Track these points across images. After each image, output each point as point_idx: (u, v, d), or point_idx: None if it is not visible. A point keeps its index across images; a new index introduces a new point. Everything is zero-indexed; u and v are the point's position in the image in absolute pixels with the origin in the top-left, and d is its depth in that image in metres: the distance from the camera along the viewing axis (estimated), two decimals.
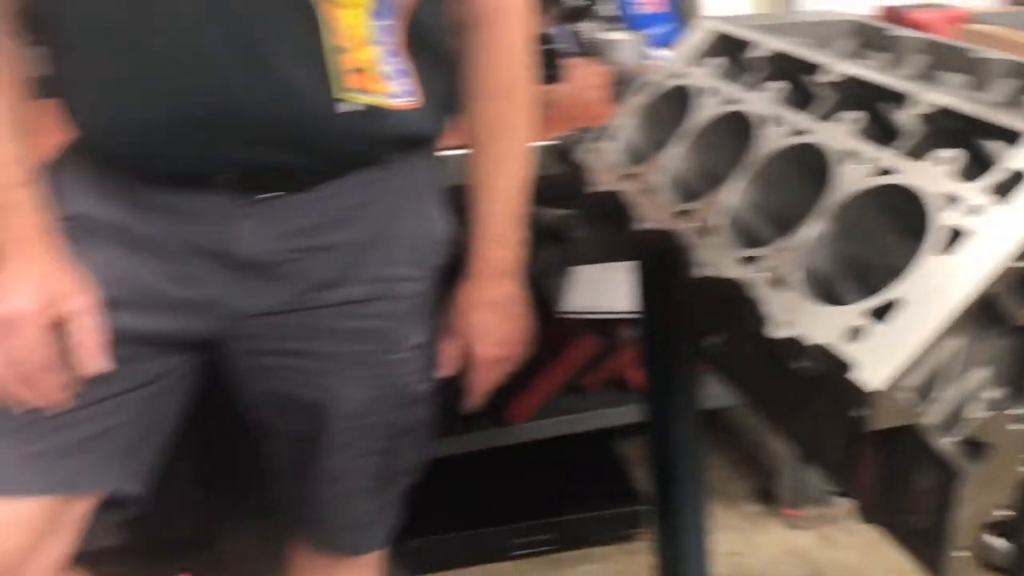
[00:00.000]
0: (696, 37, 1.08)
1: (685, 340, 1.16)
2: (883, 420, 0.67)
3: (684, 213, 0.89)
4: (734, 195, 0.87)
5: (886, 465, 0.76)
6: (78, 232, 0.94)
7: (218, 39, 0.87)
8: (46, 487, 0.91)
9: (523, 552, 1.82)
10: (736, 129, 0.92)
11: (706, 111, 0.97)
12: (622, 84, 1.47)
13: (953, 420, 0.70)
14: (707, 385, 1.33)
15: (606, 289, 1.78)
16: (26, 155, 0.92)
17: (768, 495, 1.96)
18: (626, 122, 1.06)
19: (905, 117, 0.81)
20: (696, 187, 0.94)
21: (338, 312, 1.00)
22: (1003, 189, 0.70)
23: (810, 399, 0.80)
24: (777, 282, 0.77)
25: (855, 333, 0.69)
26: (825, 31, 1.07)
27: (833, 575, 1.80)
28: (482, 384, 1.12)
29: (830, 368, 0.70)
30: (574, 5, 1.65)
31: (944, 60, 0.96)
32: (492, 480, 1.87)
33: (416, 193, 1.03)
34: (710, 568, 1.36)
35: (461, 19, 1.02)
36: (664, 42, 1.69)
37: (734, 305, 0.80)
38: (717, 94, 0.97)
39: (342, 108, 0.90)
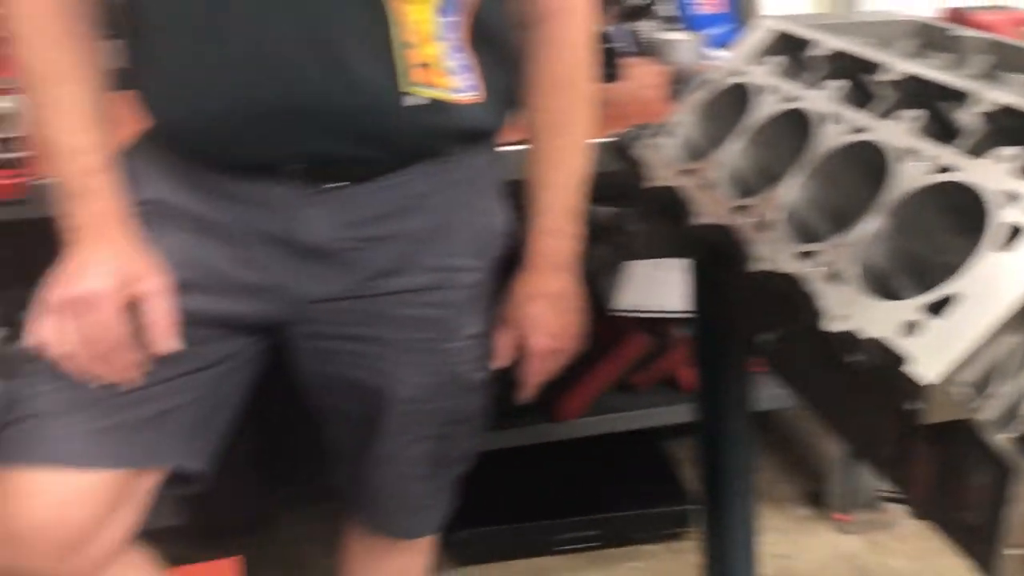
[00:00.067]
0: (756, 36, 1.09)
1: (738, 337, 1.17)
2: (937, 414, 0.68)
3: (741, 208, 0.91)
4: (792, 191, 0.88)
5: (939, 461, 0.76)
6: (152, 217, 0.98)
7: (292, 34, 0.90)
8: (116, 461, 0.95)
9: (568, 547, 1.83)
10: (795, 127, 0.93)
11: (765, 108, 0.97)
12: (680, 83, 1.48)
13: (1009, 416, 0.70)
14: (759, 386, 1.34)
15: (659, 288, 1.78)
16: (104, 143, 0.96)
17: (817, 498, 1.95)
18: (684, 119, 1.07)
19: (966, 116, 0.82)
20: (753, 183, 0.95)
21: (398, 300, 1.03)
22: None
23: (863, 394, 0.81)
24: (833, 277, 0.78)
25: (911, 327, 0.70)
26: (886, 31, 1.08)
27: None
28: (535, 376, 1.14)
29: (885, 362, 0.70)
30: (634, 4, 1.66)
31: (1008, 60, 0.96)
32: (540, 475, 1.89)
33: (476, 185, 1.05)
34: (758, 569, 1.37)
35: (524, 16, 1.04)
36: (722, 43, 1.70)
37: (789, 300, 0.81)
38: (776, 92, 0.98)
39: (408, 102, 0.93)
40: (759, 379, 1.33)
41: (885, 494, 1.87)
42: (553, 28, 1.03)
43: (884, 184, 0.80)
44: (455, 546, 1.75)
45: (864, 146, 0.85)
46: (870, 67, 0.94)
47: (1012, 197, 0.72)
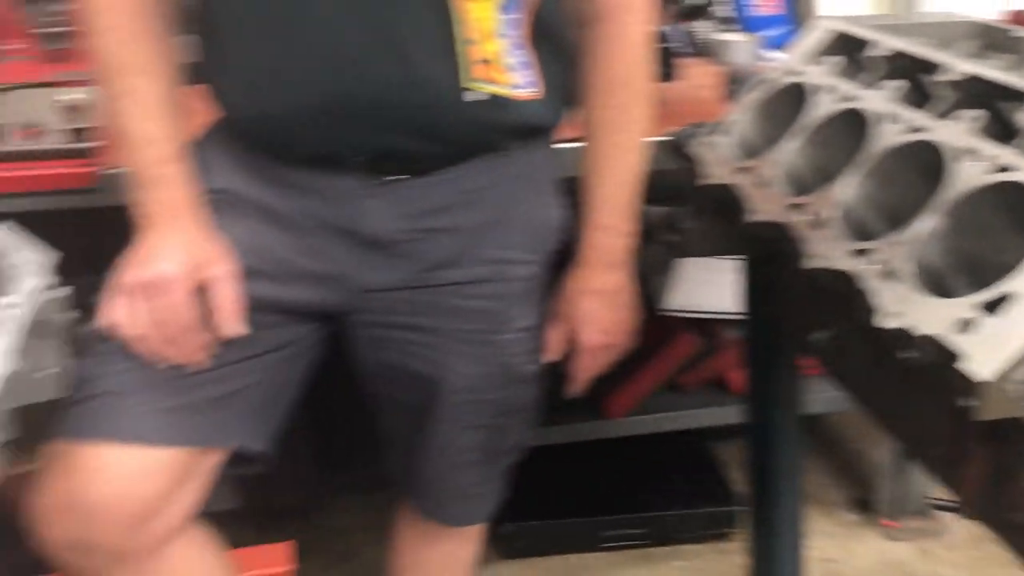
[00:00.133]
0: (814, 36, 1.10)
1: (790, 336, 1.17)
2: (991, 411, 0.68)
3: (797, 206, 0.91)
4: (847, 190, 0.89)
5: (993, 460, 0.76)
6: (221, 205, 1.01)
7: (358, 32, 0.92)
8: (182, 439, 0.98)
9: (613, 545, 1.83)
10: (852, 126, 0.93)
11: (822, 108, 0.98)
12: (735, 84, 1.48)
13: None
14: (809, 389, 1.33)
15: (709, 289, 1.78)
16: (176, 134, 1.00)
17: (866, 504, 1.93)
18: (740, 118, 1.08)
19: None
20: (809, 182, 0.95)
21: (453, 291, 1.05)
22: None
23: (916, 392, 0.81)
24: (888, 274, 0.78)
25: (965, 325, 0.70)
26: (946, 32, 1.07)
27: None
28: (585, 371, 1.15)
29: (939, 359, 0.71)
30: (691, 4, 1.67)
31: None
32: (587, 472, 1.90)
33: (533, 180, 1.07)
34: (804, 573, 1.36)
35: (583, 14, 1.06)
36: (778, 44, 1.70)
37: (843, 297, 0.82)
38: (834, 91, 0.99)
39: (469, 97, 0.95)
40: (809, 382, 1.33)
41: (936, 501, 1.85)
42: (612, 26, 1.05)
43: (941, 183, 0.80)
44: (501, 539, 1.77)
45: (922, 146, 0.85)
46: (930, 67, 0.94)
47: None
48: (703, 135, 1.09)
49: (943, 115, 0.87)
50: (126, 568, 0.98)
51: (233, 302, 0.98)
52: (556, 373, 1.16)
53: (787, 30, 1.83)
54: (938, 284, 0.78)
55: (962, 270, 0.79)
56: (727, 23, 1.78)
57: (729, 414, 1.78)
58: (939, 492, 1.84)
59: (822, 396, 1.74)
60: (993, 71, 0.89)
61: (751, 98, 1.08)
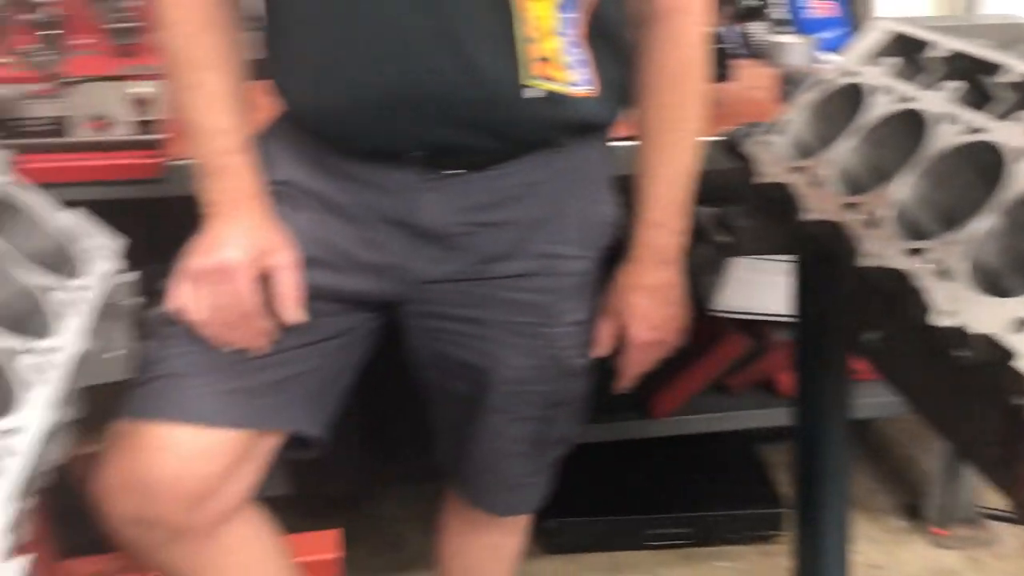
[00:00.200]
0: (871, 37, 1.10)
1: (841, 336, 1.17)
2: None
3: (851, 205, 0.92)
4: (903, 189, 0.89)
5: None
6: (283, 196, 1.04)
7: (420, 29, 0.95)
8: (242, 421, 1.01)
9: (657, 543, 1.84)
10: (908, 126, 0.93)
11: (879, 108, 0.98)
12: (789, 86, 1.48)
13: None
14: (858, 394, 1.33)
15: (759, 291, 1.78)
16: (242, 125, 1.03)
17: (915, 511, 1.91)
18: (796, 118, 1.08)
19: None
20: (864, 181, 0.96)
21: (505, 284, 1.07)
22: None
23: (969, 391, 0.81)
24: (943, 273, 0.79)
25: (1021, 324, 0.70)
26: (1006, 34, 1.07)
27: None
28: (634, 367, 1.16)
29: (993, 357, 0.71)
30: (746, 6, 1.67)
31: None
32: (632, 470, 1.91)
33: (587, 176, 1.08)
34: None
35: (641, 14, 1.07)
36: (834, 47, 1.69)
37: (897, 296, 0.82)
38: (891, 92, 0.99)
39: (527, 94, 0.97)
40: (859, 386, 1.32)
41: (987, 510, 1.83)
42: (669, 26, 1.06)
43: (1000, 184, 0.80)
44: (545, 534, 1.78)
45: (981, 146, 0.85)
46: (989, 68, 0.93)
47: None
48: (758, 134, 1.09)
49: (1003, 116, 0.87)
50: (185, 545, 1.01)
51: (294, 290, 1.00)
52: (604, 371, 1.17)
53: (842, 32, 1.82)
54: (993, 284, 0.78)
55: (1018, 270, 0.79)
56: (782, 25, 1.77)
57: (776, 416, 1.77)
58: (990, 500, 1.82)
59: (872, 401, 1.73)
60: None
61: (807, 98, 1.09)
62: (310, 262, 1.02)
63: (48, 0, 1.38)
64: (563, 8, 0.98)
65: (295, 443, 1.08)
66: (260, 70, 1.07)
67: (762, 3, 1.69)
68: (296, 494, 1.76)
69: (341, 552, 1.60)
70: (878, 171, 0.94)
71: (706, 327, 1.73)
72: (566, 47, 1.00)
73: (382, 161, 1.02)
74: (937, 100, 0.93)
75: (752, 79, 1.59)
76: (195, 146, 1.02)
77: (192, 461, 0.98)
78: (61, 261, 0.90)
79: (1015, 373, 0.68)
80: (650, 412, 1.80)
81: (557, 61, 0.99)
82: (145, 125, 1.34)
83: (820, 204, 0.95)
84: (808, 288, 1.22)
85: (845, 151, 0.98)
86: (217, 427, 0.99)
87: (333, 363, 1.08)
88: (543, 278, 1.07)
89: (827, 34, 1.77)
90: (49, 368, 0.75)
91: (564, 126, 1.02)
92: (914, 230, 0.86)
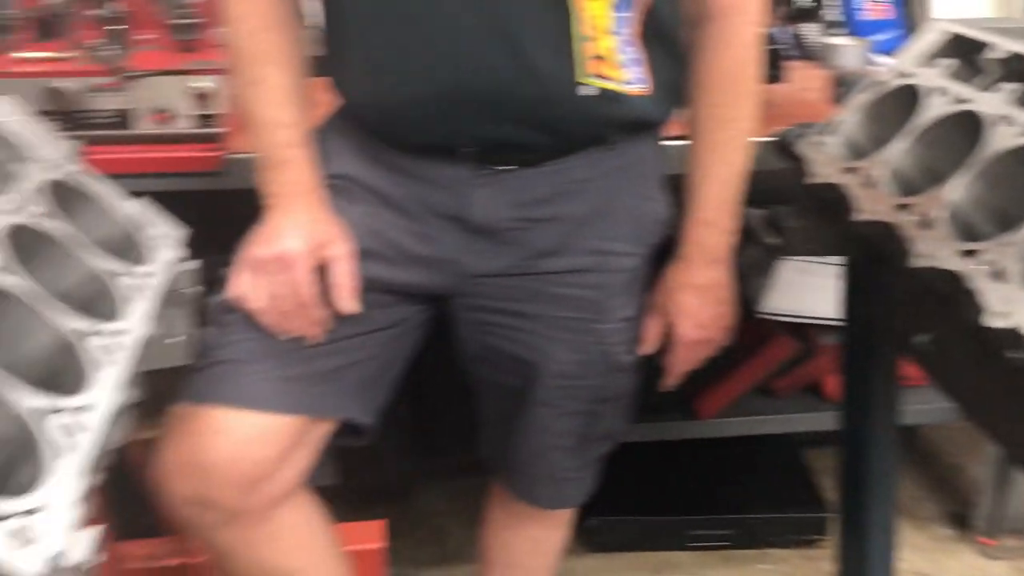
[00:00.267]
0: (928, 38, 1.09)
1: (891, 338, 1.16)
2: None
3: (904, 206, 0.92)
4: (957, 191, 0.88)
5: None
6: (339, 189, 1.07)
7: (478, 28, 0.96)
8: (297, 408, 1.04)
9: (699, 544, 1.84)
10: (964, 128, 0.93)
11: (934, 110, 0.98)
12: (842, 88, 1.48)
13: None
14: (906, 400, 1.32)
15: (808, 294, 1.77)
16: (302, 120, 1.05)
17: (962, 520, 1.89)
18: (849, 118, 1.08)
19: None
20: (917, 183, 0.96)
21: (556, 279, 1.08)
22: None
23: (1022, 394, 0.81)
24: (997, 275, 0.78)
25: None
26: None
27: None
28: (681, 365, 1.17)
29: None
30: (800, 7, 1.66)
31: None
32: (676, 471, 1.91)
33: (638, 173, 1.09)
34: None
35: (696, 13, 1.07)
36: (888, 49, 1.68)
37: (949, 298, 0.82)
38: (946, 93, 0.98)
39: (582, 91, 0.98)
40: (907, 392, 1.31)
41: None
42: (724, 26, 1.06)
43: None
44: (587, 533, 1.79)
45: None
46: None
47: None
48: (811, 135, 1.09)
49: None
50: (239, 527, 1.04)
51: (350, 281, 1.03)
52: (651, 370, 1.18)
53: (897, 35, 1.80)
54: None
55: None
56: (835, 27, 1.77)
57: (822, 420, 1.76)
58: None
59: (920, 407, 1.72)
60: None
61: (860, 99, 1.08)
62: (364, 254, 1.05)
63: None
64: (618, 7, 1.00)
65: (346, 431, 1.11)
66: (319, 67, 1.10)
67: (816, 4, 1.69)
68: (342, 485, 1.80)
69: (385, 543, 1.62)
70: (932, 172, 0.94)
71: (753, 329, 1.73)
72: (620, 46, 1.01)
73: (436, 157, 1.03)
74: (994, 102, 0.93)
75: (804, 81, 1.58)
76: (257, 139, 1.05)
77: (248, 445, 1.01)
78: (128, 248, 0.93)
79: None
80: (695, 413, 1.80)
81: (612, 60, 1.00)
82: (205, 119, 1.37)
83: (873, 205, 0.95)
84: (858, 290, 1.21)
85: (899, 152, 0.98)
86: (273, 413, 1.02)
87: (385, 353, 1.10)
88: (593, 274, 1.08)
89: (881, 36, 1.76)
90: (117, 350, 0.78)
91: (617, 124, 1.03)
92: (968, 231, 0.86)
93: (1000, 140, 0.88)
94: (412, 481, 1.96)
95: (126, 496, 1.13)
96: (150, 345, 0.87)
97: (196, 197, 1.35)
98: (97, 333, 0.78)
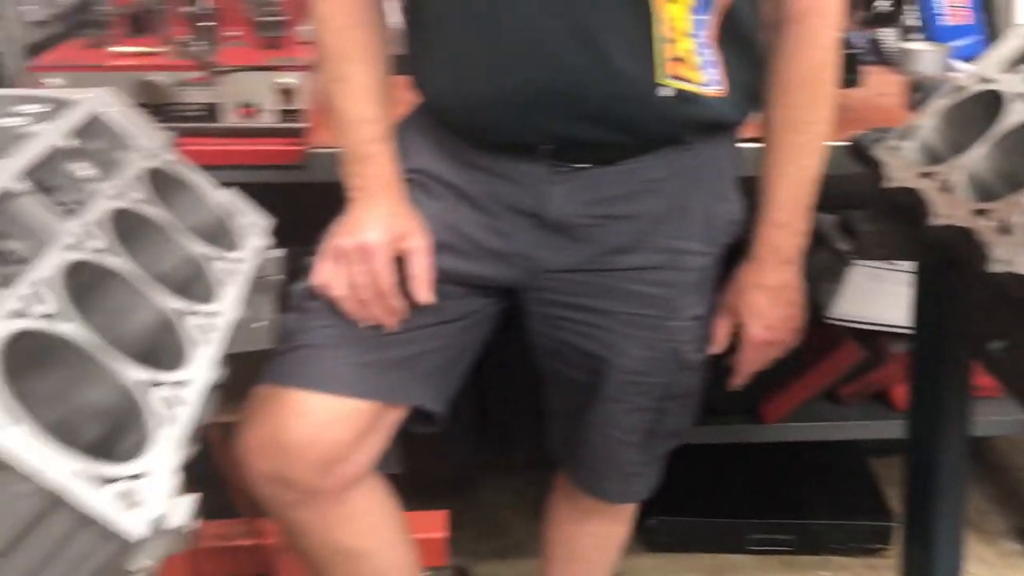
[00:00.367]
0: (1010, 44, 1.08)
1: (963, 346, 1.16)
2: None
3: (983, 212, 0.91)
4: None
5: None
6: (418, 184, 1.10)
7: (560, 29, 0.98)
8: (373, 393, 1.07)
9: (760, 548, 1.84)
10: None
11: (1016, 115, 0.97)
12: (919, 93, 1.47)
13: None
14: (976, 411, 1.31)
15: (878, 300, 1.76)
16: (386, 116, 1.09)
17: None
18: (927, 123, 1.08)
19: None
20: (996, 188, 0.95)
21: (628, 276, 1.10)
22: None
23: None
24: None
25: None
26: None
27: None
28: (749, 365, 1.18)
29: None
30: (878, 12, 1.65)
31: None
32: (739, 474, 1.91)
33: (713, 174, 1.10)
34: None
35: (774, 16, 1.08)
36: (967, 55, 1.66)
37: None
38: None
39: (661, 92, 1.00)
40: (978, 404, 1.30)
41: None
42: (803, 28, 1.07)
43: None
44: (647, 532, 1.80)
45: None
46: None
47: None
48: (888, 139, 1.09)
49: None
50: (315, 506, 1.08)
51: (426, 272, 1.06)
52: (718, 373, 1.19)
53: (976, 40, 1.78)
54: None
55: None
56: (913, 32, 1.75)
57: (889, 429, 1.75)
58: None
59: (991, 419, 1.70)
60: None
61: (940, 104, 1.08)
62: (440, 247, 1.08)
63: None
64: (696, 10, 1.01)
65: (418, 418, 1.14)
66: (400, 66, 1.13)
67: (895, 9, 1.68)
68: (406, 475, 1.83)
69: (447, 533, 1.65)
70: (1012, 178, 0.94)
71: (822, 335, 1.72)
72: (698, 48, 1.02)
73: (514, 154, 1.06)
74: None
75: (880, 85, 1.58)
76: (341, 134, 1.09)
77: (326, 427, 1.04)
78: (220, 234, 0.97)
79: None
80: (760, 417, 1.80)
81: (690, 61, 1.01)
82: (289, 114, 1.41)
83: (950, 209, 0.95)
84: (930, 295, 1.21)
85: (978, 158, 0.98)
86: (350, 397, 1.06)
87: (456, 344, 1.13)
88: (666, 272, 1.10)
89: (960, 42, 1.74)
90: (211, 330, 0.82)
91: (694, 124, 1.05)
92: None
93: None
94: (475, 474, 1.99)
95: (203, 476, 1.18)
96: (239, 328, 0.90)
97: (277, 189, 1.39)
98: (194, 313, 0.82)
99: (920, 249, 1.12)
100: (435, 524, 1.65)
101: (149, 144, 1.00)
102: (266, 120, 1.41)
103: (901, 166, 1.05)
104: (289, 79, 1.41)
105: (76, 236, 0.77)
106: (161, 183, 0.95)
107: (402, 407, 1.11)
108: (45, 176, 0.83)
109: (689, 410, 1.19)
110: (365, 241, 1.04)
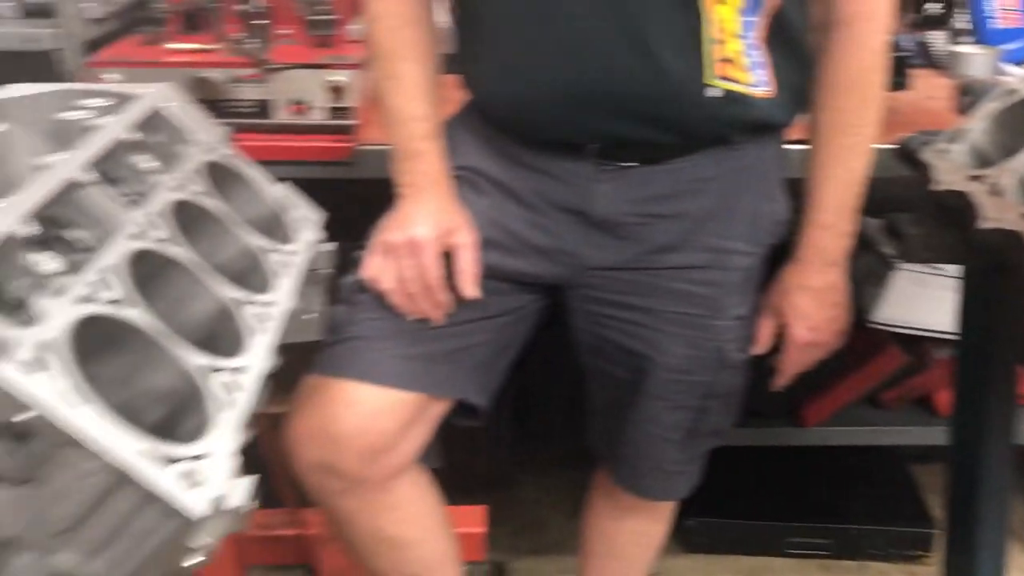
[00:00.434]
0: None
1: (1009, 351, 1.15)
2: None
3: None
4: None
5: None
6: (466, 181, 1.12)
7: (609, 29, 1.00)
8: (418, 385, 1.09)
9: (798, 552, 1.83)
10: None
11: None
12: (968, 96, 1.46)
13: None
14: (1021, 419, 1.30)
15: (922, 305, 1.75)
16: (435, 114, 1.11)
17: None
18: (976, 127, 1.08)
19: None
20: None
21: (673, 275, 1.11)
22: None
23: None
24: None
25: None
26: None
27: None
28: (792, 366, 1.18)
29: None
30: (928, 15, 1.64)
31: None
32: (778, 477, 1.90)
33: (759, 174, 1.11)
34: None
35: (823, 19, 1.08)
36: (1018, 59, 1.65)
37: None
38: None
39: (709, 93, 1.01)
40: (1023, 411, 1.29)
41: None
42: (852, 31, 1.07)
43: None
44: (685, 533, 1.80)
45: None
46: None
47: None
48: (936, 142, 1.09)
49: None
50: (361, 494, 1.10)
51: (473, 268, 1.08)
52: (759, 375, 1.19)
53: None
54: None
55: None
56: (963, 35, 1.74)
57: (931, 435, 1.74)
58: None
59: None
60: None
61: (990, 108, 1.08)
62: (487, 243, 1.09)
63: None
64: (745, 11, 1.02)
65: (461, 411, 1.16)
66: (450, 64, 1.15)
67: (945, 12, 1.67)
68: (446, 469, 1.85)
69: (486, 528, 1.67)
70: None
71: (864, 339, 1.71)
72: (746, 49, 1.03)
73: (561, 152, 1.07)
74: None
75: (929, 88, 1.57)
76: (392, 131, 1.11)
77: (373, 417, 1.06)
78: (275, 227, 1.00)
79: None
80: (801, 420, 1.79)
81: (739, 62, 1.02)
82: (339, 111, 1.44)
83: (999, 213, 0.95)
84: (977, 299, 1.20)
85: None
86: (397, 388, 1.08)
87: (500, 339, 1.15)
88: (711, 271, 1.11)
89: (1011, 46, 1.72)
90: (267, 319, 0.84)
91: (741, 125, 1.05)
92: None
93: None
94: (514, 471, 2.00)
95: (250, 466, 1.20)
96: (291, 318, 0.93)
97: (327, 185, 1.42)
98: (251, 303, 0.84)
99: (968, 252, 1.11)
100: (474, 519, 1.68)
101: (207, 138, 1.02)
102: (316, 117, 1.44)
103: (950, 169, 1.05)
104: (339, 76, 1.43)
105: (140, 226, 0.80)
106: (219, 176, 0.98)
107: (446, 400, 1.13)
108: (109, 168, 0.86)
109: (731, 409, 1.20)
110: (414, 236, 1.06)
